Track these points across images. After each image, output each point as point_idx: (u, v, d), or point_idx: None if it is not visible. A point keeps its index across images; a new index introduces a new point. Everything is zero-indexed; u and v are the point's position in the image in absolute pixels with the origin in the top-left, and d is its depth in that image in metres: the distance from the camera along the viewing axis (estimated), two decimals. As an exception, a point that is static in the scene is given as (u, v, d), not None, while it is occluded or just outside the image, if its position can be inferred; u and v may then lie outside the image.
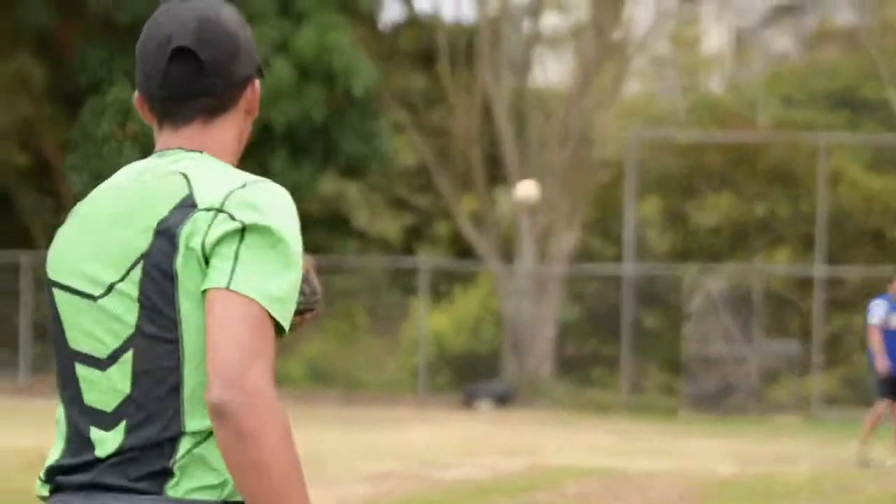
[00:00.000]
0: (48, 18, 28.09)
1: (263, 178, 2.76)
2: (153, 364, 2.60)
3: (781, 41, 62.65)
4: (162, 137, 2.81)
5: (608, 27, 31.69)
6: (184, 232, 2.60)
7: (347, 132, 28.99)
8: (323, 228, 36.67)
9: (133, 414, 2.61)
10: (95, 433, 2.64)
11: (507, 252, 32.43)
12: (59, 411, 2.74)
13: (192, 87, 2.77)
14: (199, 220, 2.60)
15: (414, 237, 38.86)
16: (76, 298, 2.71)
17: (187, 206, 2.63)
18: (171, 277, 2.59)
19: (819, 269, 29.83)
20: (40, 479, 2.75)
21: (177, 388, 2.59)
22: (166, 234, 2.61)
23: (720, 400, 27.19)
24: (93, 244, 2.72)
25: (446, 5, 79.95)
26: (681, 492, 13.63)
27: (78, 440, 2.68)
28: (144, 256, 2.62)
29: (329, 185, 36.19)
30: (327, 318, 35.44)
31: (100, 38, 28.46)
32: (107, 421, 2.64)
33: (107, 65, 28.04)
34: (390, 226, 40.15)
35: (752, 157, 32.93)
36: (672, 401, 28.05)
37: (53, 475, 2.71)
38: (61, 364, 2.74)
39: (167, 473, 2.57)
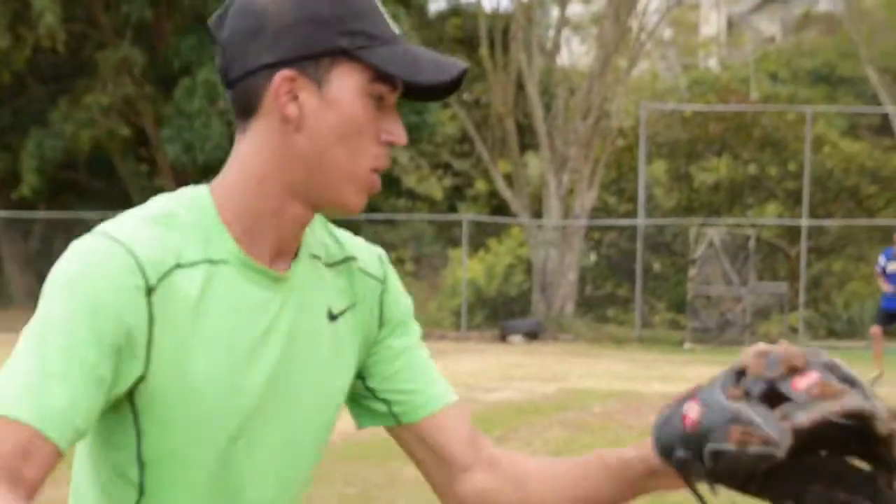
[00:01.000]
0: (147, 12, 28.26)
1: (98, 232, 1.77)
2: None
3: (769, 26, 62.34)
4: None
5: (624, 15, 31.60)
6: None
7: (402, 107, 29.00)
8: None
9: None
10: None
11: (537, 208, 32.49)
12: None
13: (221, 77, 1.86)
14: None
15: (456, 196, 38.96)
16: None
17: None
18: None
19: (804, 221, 29.83)
20: None
21: None
22: None
23: (719, 333, 27.26)
24: None
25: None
26: (689, 410, 13.72)
27: None
28: None
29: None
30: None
31: (191, 29, 28.62)
32: None
33: (196, 51, 28.19)
34: (435, 186, 40.26)
35: (747, 126, 32.89)
36: (678, 334, 28.11)
37: None
38: None
39: None
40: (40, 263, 30.63)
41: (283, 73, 1.77)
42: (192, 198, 1.86)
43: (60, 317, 1.65)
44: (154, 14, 28.70)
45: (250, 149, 1.84)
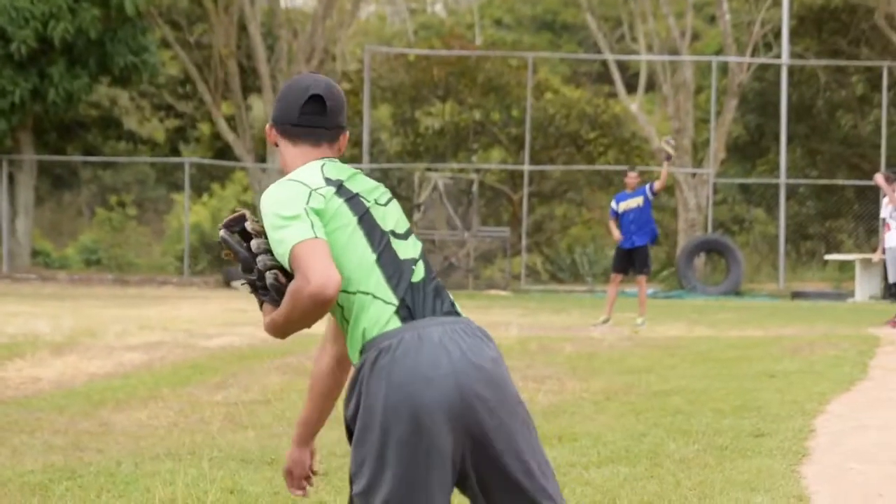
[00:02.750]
0: None
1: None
2: None
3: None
4: (302, 151, 3.59)
5: (348, -44, 31.51)
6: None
7: (120, 46, 28.33)
8: (97, 130, 35.87)
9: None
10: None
11: (261, 152, 32.23)
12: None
13: (319, 122, 3.58)
14: None
15: (179, 139, 38.32)
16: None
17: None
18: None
19: (526, 167, 30.37)
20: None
21: None
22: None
23: (443, 278, 27.57)
24: None
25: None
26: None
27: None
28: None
29: (103, 93, 35.41)
30: (101, 210, 34.81)
31: None
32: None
33: None
34: (157, 128, 39.50)
35: (471, 71, 33.25)
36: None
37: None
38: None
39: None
40: None
41: (346, 132, 3.71)
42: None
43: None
44: None
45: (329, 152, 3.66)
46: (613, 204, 17.93)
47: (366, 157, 30.03)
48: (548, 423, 8.81)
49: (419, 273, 3.44)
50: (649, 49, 32.27)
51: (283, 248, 3.30)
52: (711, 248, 28.90)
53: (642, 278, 17.88)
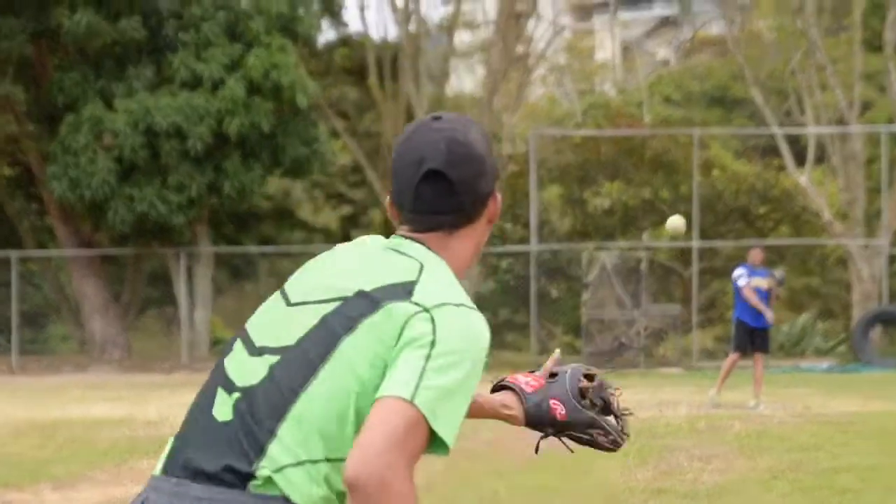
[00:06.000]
0: (28, 48, 27.94)
1: (472, 307, 2.55)
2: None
3: (662, 50, 63.10)
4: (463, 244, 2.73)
5: (512, 41, 31.87)
6: (391, 307, 2.48)
7: (292, 138, 29.00)
8: (272, 221, 36.73)
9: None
10: None
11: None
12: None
13: (442, 203, 2.65)
14: (406, 307, 2.48)
15: (351, 226, 39.00)
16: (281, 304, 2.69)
17: (406, 290, 2.51)
18: (350, 328, 2.49)
19: (695, 243, 30.15)
20: None
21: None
22: (372, 299, 2.51)
23: (614, 356, 27.46)
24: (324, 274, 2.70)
25: (374, 25, 79.85)
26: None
27: None
28: (345, 300, 2.54)
29: (276, 184, 36.27)
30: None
31: (74, 63, 28.36)
32: None
33: (81, 86, 27.94)
34: (330, 217, 40.26)
35: (639, 149, 33.22)
36: (574, 358, 28.22)
37: None
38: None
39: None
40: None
41: (497, 194, 2.76)
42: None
43: (477, 366, 2.54)
44: (35, 50, 28.39)
45: (465, 243, 2.72)
46: (746, 273, 17.50)
47: (534, 237, 30.16)
48: (712, 503, 8.73)
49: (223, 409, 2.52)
50: (817, 121, 31.88)
51: (463, 409, 2.46)
52: (888, 320, 28.27)
53: (760, 356, 17.44)
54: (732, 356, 17.65)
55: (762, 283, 17.30)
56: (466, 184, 2.65)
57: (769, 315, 17.13)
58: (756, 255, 17.66)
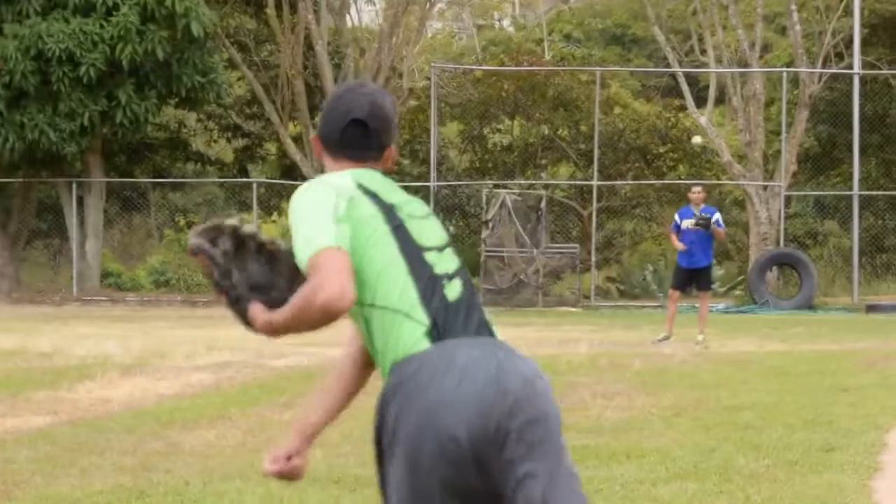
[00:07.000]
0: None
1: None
2: None
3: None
4: (342, 166, 3.56)
5: (414, -26, 31.62)
6: None
7: (187, 68, 28.60)
8: (165, 153, 36.29)
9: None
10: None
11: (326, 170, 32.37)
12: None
13: (361, 143, 3.58)
14: None
15: (246, 159, 38.67)
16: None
17: None
18: None
19: (595, 182, 30.32)
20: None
21: None
22: None
23: (512, 295, 27.58)
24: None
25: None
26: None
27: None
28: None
29: (170, 114, 35.79)
30: (170, 231, 35.13)
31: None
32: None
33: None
34: (225, 149, 39.87)
35: (539, 86, 33.22)
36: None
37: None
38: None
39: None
40: None
41: (394, 147, 3.68)
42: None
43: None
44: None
45: (375, 166, 3.64)
46: (677, 218, 17.91)
47: (433, 174, 30.12)
48: (616, 439, 8.80)
49: (454, 289, 3.38)
50: (719, 62, 32.12)
51: (303, 255, 3.23)
52: (784, 262, 28.70)
53: (705, 294, 17.82)
54: (671, 294, 18.04)
55: (689, 223, 17.56)
56: (378, 133, 3.60)
57: (677, 245, 17.50)
58: (695, 196, 17.89)
